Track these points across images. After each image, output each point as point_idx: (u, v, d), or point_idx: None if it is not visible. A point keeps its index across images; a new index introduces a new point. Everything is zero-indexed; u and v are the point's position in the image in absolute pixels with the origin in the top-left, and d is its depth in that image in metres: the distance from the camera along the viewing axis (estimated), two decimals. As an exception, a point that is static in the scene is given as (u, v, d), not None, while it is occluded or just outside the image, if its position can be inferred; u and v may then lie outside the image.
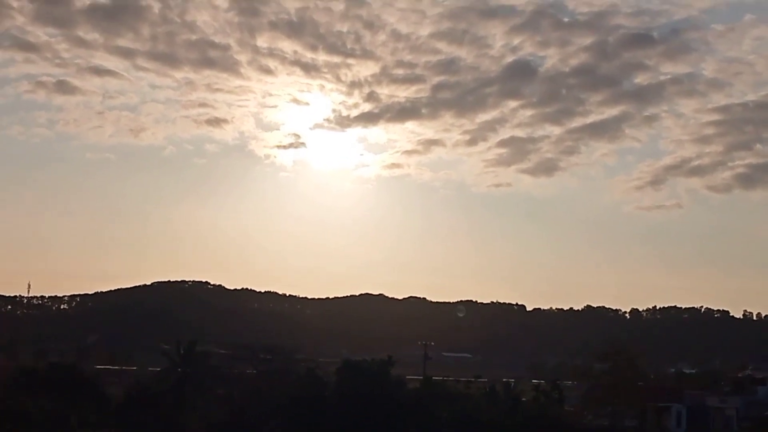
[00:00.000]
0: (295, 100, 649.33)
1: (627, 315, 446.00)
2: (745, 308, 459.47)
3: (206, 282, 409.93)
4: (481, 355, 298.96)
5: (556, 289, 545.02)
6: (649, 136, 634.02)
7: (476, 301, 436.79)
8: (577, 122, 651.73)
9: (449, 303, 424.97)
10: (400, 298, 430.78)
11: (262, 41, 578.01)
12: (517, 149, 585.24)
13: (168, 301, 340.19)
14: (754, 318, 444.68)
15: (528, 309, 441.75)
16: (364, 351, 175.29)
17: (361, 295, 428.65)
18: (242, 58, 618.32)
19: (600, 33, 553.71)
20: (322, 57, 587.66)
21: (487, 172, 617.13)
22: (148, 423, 70.68)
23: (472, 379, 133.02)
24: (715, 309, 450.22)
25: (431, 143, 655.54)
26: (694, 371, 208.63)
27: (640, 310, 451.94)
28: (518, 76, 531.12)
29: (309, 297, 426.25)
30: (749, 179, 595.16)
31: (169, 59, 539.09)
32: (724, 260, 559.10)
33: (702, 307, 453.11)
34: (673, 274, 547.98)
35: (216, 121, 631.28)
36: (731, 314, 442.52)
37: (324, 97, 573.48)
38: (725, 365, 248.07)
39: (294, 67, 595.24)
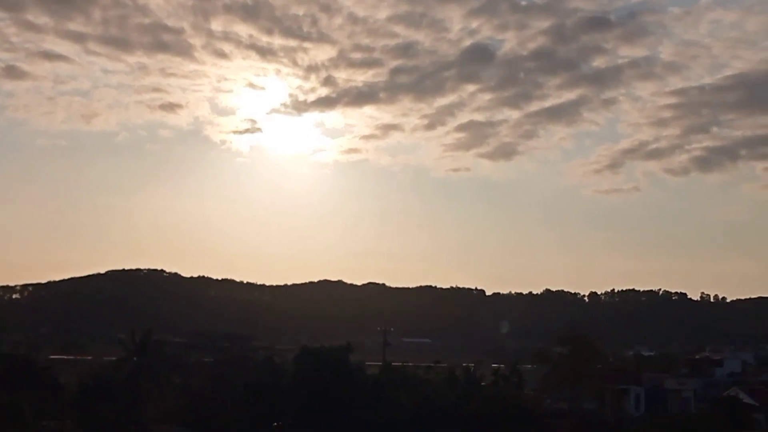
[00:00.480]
0: (251, 85, 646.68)
1: (586, 298, 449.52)
2: (702, 290, 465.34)
3: (162, 270, 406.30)
4: (440, 340, 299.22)
5: (516, 273, 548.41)
6: (607, 120, 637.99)
7: (435, 286, 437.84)
8: (536, 106, 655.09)
9: (408, 288, 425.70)
10: (359, 284, 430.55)
11: (216, 25, 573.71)
12: (476, 133, 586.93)
13: (123, 290, 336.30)
14: (711, 300, 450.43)
15: (487, 293, 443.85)
16: (323, 338, 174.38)
17: (319, 281, 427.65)
18: (196, 42, 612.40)
19: (558, 16, 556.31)
20: (277, 41, 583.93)
21: (446, 157, 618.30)
22: (104, 413, 69.21)
23: (432, 365, 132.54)
24: (673, 292, 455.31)
25: (389, 128, 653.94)
26: (652, 354, 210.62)
27: (599, 293, 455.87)
28: (476, 60, 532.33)
29: (267, 284, 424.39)
30: (706, 162, 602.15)
31: (121, 43, 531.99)
32: (682, 243, 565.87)
33: (660, 289, 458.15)
34: (631, 257, 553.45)
35: (170, 107, 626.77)
36: (689, 297, 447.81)
37: (280, 82, 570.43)
38: (683, 347, 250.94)
39: (249, 51, 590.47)
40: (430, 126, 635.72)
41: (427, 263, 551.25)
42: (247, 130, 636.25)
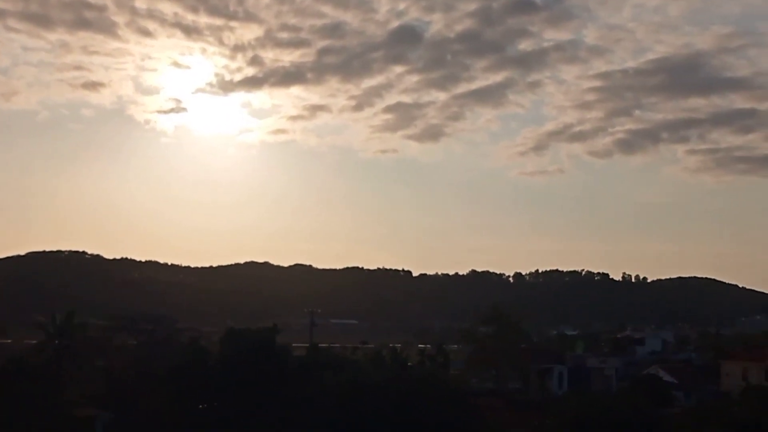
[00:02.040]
0: (176, 64, 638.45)
1: (511, 279, 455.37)
2: (624, 271, 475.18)
3: (83, 252, 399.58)
4: (368, 321, 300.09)
5: (442, 255, 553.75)
6: (533, 102, 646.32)
7: (363, 268, 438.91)
8: (462, 88, 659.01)
9: (335, 270, 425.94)
10: (286, 265, 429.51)
11: (140, 2, 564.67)
12: (403, 115, 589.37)
13: (43, 272, 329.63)
14: (633, 280, 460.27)
15: (414, 274, 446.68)
16: (250, 320, 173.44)
17: (245, 263, 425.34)
18: (120, 19, 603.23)
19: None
20: (203, 19, 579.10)
21: (374, 138, 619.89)
22: (25, 397, 67.72)
23: (359, 345, 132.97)
24: (596, 272, 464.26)
25: (317, 108, 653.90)
26: (575, 333, 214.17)
27: (524, 274, 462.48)
28: (404, 42, 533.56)
29: (192, 266, 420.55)
30: (629, 145, 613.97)
31: (42, 20, 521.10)
32: (605, 224, 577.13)
33: (583, 270, 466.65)
34: (555, 238, 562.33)
35: (92, 85, 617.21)
36: (611, 277, 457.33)
37: (206, 61, 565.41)
38: (605, 327, 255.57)
39: (174, 30, 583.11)
40: (358, 107, 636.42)
41: (354, 245, 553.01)
42: (171, 110, 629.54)
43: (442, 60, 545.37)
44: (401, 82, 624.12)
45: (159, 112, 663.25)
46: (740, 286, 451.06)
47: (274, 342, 70.81)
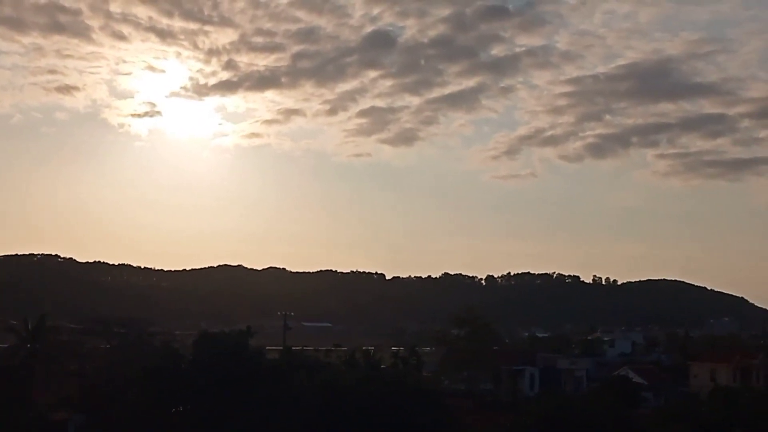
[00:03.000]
0: (151, 68, 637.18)
1: (483, 281, 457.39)
2: (594, 273, 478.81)
3: (56, 255, 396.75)
4: (341, 324, 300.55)
5: (415, 258, 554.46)
6: (505, 107, 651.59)
7: (336, 271, 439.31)
8: (436, 93, 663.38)
9: (309, 273, 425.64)
10: (260, 268, 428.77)
11: (115, 6, 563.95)
12: (377, 119, 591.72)
13: (16, 276, 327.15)
14: (603, 283, 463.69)
15: (387, 277, 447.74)
16: (223, 323, 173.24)
17: (219, 266, 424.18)
18: (94, 23, 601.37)
19: (457, 4, 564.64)
20: (178, 23, 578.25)
21: (348, 142, 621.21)
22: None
23: (333, 348, 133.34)
24: (567, 275, 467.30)
25: (291, 113, 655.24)
26: (546, 335, 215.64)
27: (496, 276, 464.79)
28: (378, 47, 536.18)
29: (165, 269, 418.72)
30: (599, 149, 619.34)
31: (15, 24, 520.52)
32: (575, 227, 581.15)
33: (554, 273, 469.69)
34: (527, 241, 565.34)
35: (66, 89, 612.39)
36: (582, 279, 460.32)
37: (180, 65, 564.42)
38: (576, 329, 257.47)
39: (149, 34, 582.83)
40: (332, 111, 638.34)
41: (328, 248, 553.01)
42: (146, 114, 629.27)
43: (416, 65, 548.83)
44: (375, 86, 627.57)
45: (133, 115, 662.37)
46: (708, 288, 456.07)
47: (248, 345, 71.00)
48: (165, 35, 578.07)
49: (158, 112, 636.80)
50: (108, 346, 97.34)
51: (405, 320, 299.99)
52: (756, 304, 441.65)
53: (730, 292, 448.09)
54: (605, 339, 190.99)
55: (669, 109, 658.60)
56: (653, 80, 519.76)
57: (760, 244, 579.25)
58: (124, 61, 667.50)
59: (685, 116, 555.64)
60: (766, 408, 76.38)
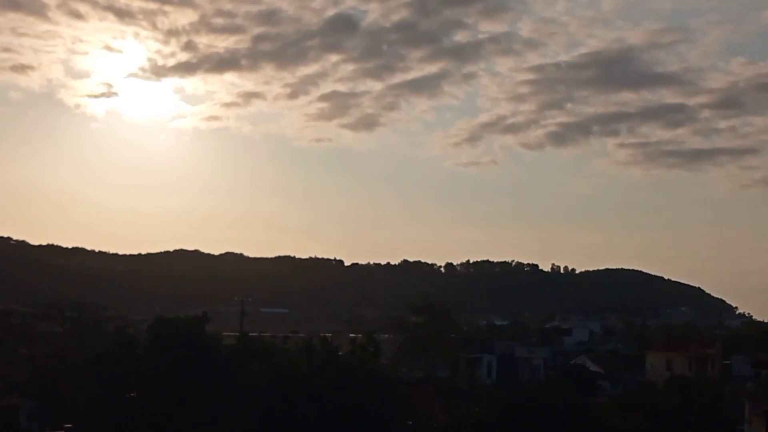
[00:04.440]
0: (108, 47, 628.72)
1: (442, 269, 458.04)
2: (553, 262, 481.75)
3: (8, 238, 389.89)
4: (299, 310, 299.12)
5: (374, 244, 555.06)
6: (467, 94, 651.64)
7: (294, 257, 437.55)
8: (398, 78, 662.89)
9: (267, 258, 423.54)
10: (216, 253, 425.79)
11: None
12: (339, 104, 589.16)
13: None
14: (561, 271, 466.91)
15: (346, 263, 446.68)
16: (179, 308, 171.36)
17: (175, 250, 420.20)
18: (50, 1, 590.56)
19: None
20: (136, 3, 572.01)
21: (308, 127, 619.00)
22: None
23: (290, 335, 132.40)
24: (525, 263, 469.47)
25: (251, 96, 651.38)
26: (504, 323, 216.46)
27: (455, 264, 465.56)
28: (340, 30, 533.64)
29: (120, 253, 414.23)
30: (560, 137, 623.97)
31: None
32: (535, 215, 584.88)
33: (513, 261, 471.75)
34: (487, 228, 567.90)
35: (21, 68, 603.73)
36: (540, 268, 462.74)
37: (139, 45, 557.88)
38: (534, 317, 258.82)
39: (106, 13, 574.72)
40: (293, 95, 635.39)
41: (286, 233, 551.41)
42: (102, 94, 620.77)
43: (378, 49, 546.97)
44: (337, 70, 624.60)
45: (90, 96, 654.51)
46: (666, 278, 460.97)
47: (204, 331, 69.99)
48: (123, 15, 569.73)
49: (115, 93, 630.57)
50: (61, 330, 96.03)
51: (363, 307, 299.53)
52: (713, 294, 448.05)
53: (688, 282, 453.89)
54: (563, 327, 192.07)
55: (630, 99, 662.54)
56: (615, 69, 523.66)
57: (718, 235, 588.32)
58: (81, 41, 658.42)
59: (646, 106, 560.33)
60: (720, 398, 77.15)
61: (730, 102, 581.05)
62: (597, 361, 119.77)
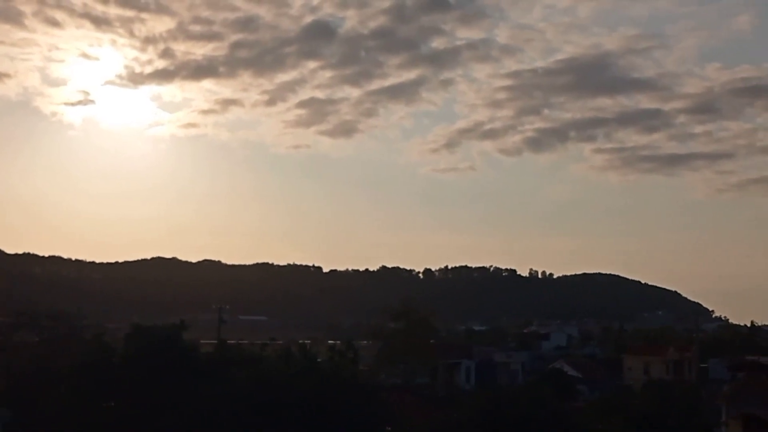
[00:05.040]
0: (85, 55, 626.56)
1: (420, 275, 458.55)
2: (531, 267, 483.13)
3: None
4: (277, 317, 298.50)
5: (353, 250, 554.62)
6: (445, 100, 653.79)
7: (273, 263, 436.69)
8: (376, 85, 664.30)
9: (245, 266, 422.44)
10: (194, 261, 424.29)
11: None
12: (317, 110, 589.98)
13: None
14: (539, 276, 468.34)
15: (324, 270, 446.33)
16: (157, 316, 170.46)
17: (152, 258, 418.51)
18: (27, 8, 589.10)
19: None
20: (113, 10, 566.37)
21: (286, 133, 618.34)
22: None
23: (268, 342, 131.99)
24: (503, 268, 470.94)
25: (229, 103, 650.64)
26: (483, 328, 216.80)
27: (433, 269, 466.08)
28: (317, 37, 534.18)
29: (97, 261, 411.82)
30: (537, 143, 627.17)
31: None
32: (513, 221, 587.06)
33: (491, 266, 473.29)
34: (465, 234, 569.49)
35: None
36: (518, 273, 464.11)
37: (116, 53, 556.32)
38: (512, 322, 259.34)
39: (83, 20, 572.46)
40: (271, 102, 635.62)
41: (265, 240, 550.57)
42: (79, 102, 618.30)
43: (356, 56, 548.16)
44: (315, 77, 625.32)
45: (66, 104, 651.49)
46: (643, 282, 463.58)
47: (181, 339, 69.77)
48: (100, 22, 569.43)
49: (92, 101, 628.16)
50: (37, 339, 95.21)
51: (342, 313, 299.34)
52: (689, 298, 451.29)
53: (664, 286, 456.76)
54: (541, 332, 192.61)
55: (606, 104, 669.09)
56: (591, 75, 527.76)
57: (695, 239, 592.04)
58: (58, 48, 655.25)
59: (622, 111, 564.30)
60: (697, 401, 77.57)
61: (706, 107, 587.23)
62: (575, 365, 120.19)
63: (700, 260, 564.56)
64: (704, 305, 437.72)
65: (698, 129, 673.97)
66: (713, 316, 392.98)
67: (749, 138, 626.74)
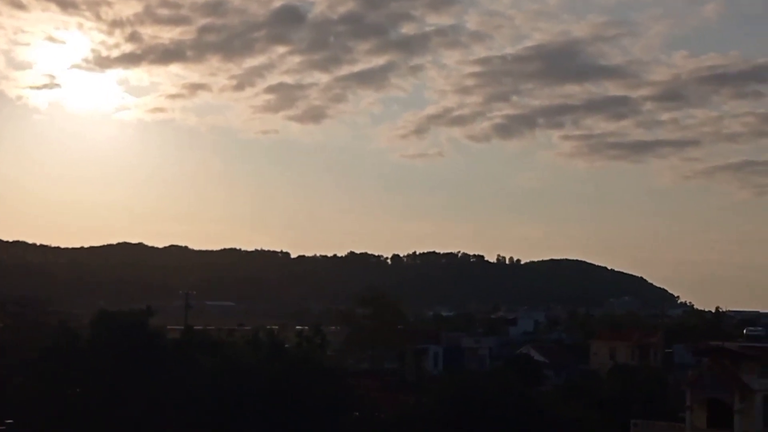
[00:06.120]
0: (51, 38, 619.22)
1: (389, 261, 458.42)
2: (498, 253, 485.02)
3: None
4: (245, 303, 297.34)
5: (321, 236, 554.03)
6: (414, 86, 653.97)
7: (240, 249, 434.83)
8: (345, 70, 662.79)
9: (212, 251, 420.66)
10: (161, 246, 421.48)
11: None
12: (285, 96, 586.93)
13: None
14: (507, 262, 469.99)
15: (292, 256, 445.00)
16: (123, 302, 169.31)
17: (118, 243, 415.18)
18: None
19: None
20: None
21: (254, 119, 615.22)
22: None
23: (236, 327, 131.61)
24: (471, 254, 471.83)
25: (197, 87, 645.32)
26: (451, 314, 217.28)
27: (401, 255, 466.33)
28: (286, 22, 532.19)
29: (63, 246, 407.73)
30: (506, 129, 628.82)
31: None
32: (481, 207, 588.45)
33: (459, 252, 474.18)
34: (433, 220, 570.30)
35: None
36: (486, 259, 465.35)
37: (82, 36, 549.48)
38: (480, 308, 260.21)
39: (49, 3, 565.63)
40: (239, 87, 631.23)
41: (232, 226, 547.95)
42: (45, 86, 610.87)
43: (325, 41, 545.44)
44: (283, 62, 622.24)
45: (32, 87, 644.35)
46: (609, 268, 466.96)
47: (147, 324, 69.37)
48: (66, 5, 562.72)
49: (58, 85, 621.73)
50: (1, 325, 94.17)
51: (310, 299, 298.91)
52: (655, 284, 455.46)
53: (630, 272, 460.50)
54: (509, 318, 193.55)
55: (574, 91, 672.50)
56: (560, 62, 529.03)
57: (660, 225, 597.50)
58: (23, 31, 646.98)
59: (590, 98, 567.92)
60: (662, 386, 78.46)
61: (673, 94, 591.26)
62: (542, 350, 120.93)
63: (666, 246, 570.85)
64: (670, 291, 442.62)
65: (665, 116, 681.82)
66: (678, 302, 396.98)
67: (715, 125, 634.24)
